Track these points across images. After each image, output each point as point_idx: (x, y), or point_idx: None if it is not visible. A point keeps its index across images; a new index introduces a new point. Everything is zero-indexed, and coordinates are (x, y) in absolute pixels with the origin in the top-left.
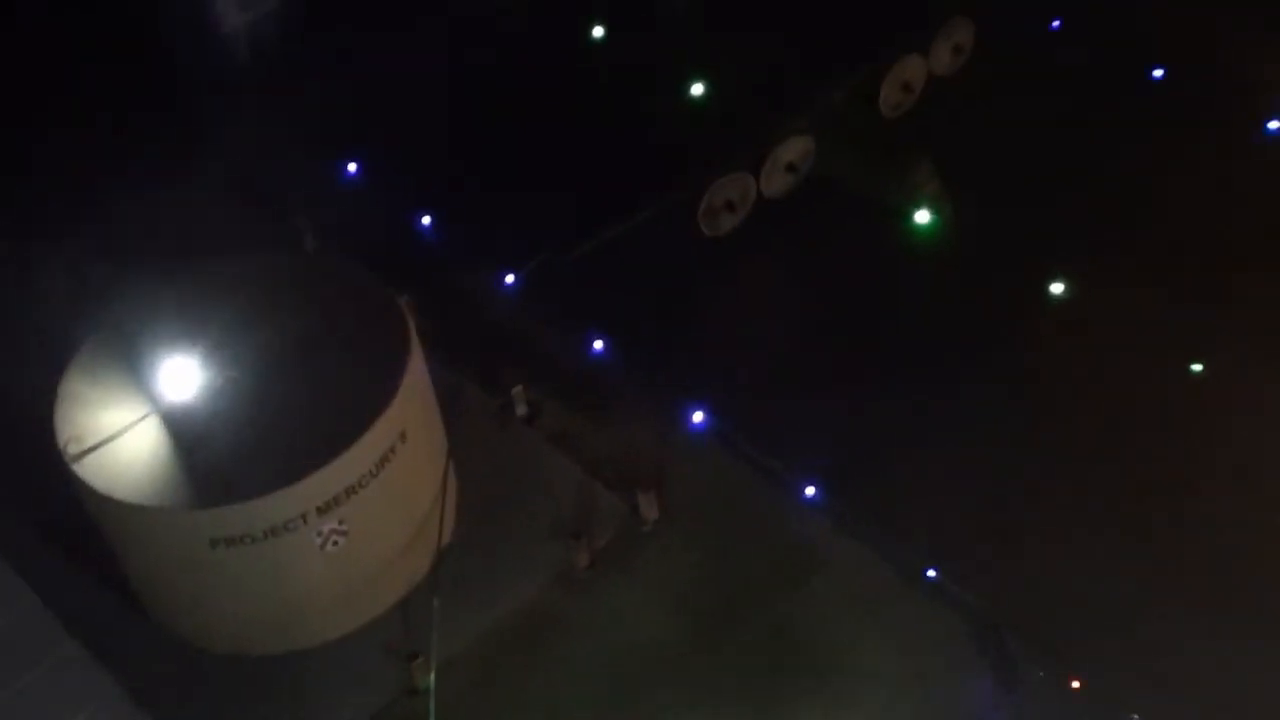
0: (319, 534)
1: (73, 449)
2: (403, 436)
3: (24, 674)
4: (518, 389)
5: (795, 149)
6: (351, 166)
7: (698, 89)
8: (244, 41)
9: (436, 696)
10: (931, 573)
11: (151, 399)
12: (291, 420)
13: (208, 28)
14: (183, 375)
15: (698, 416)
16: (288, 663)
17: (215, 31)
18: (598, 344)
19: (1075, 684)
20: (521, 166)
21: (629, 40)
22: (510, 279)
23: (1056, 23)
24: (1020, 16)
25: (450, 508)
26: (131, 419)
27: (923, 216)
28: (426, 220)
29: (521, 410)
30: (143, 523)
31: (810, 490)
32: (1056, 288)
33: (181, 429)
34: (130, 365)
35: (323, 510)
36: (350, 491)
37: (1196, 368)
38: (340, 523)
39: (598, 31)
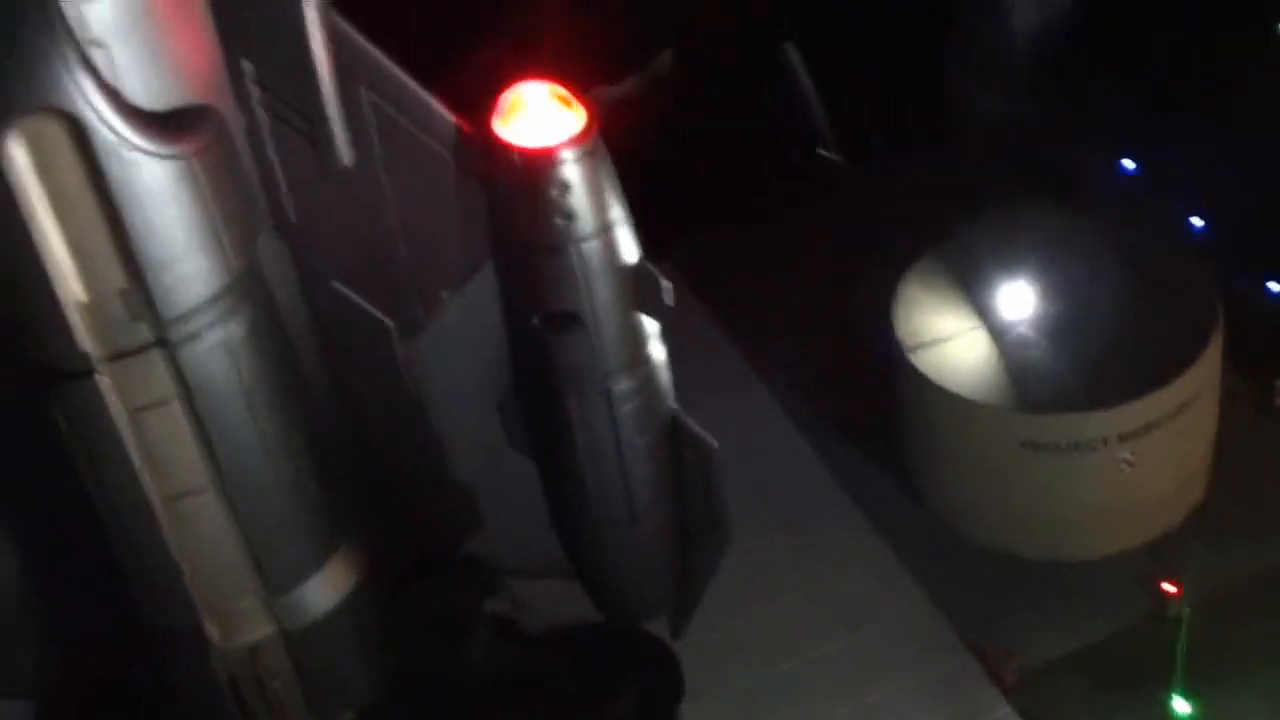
0: (1113, 459)
1: (909, 342)
2: (1198, 393)
3: (806, 533)
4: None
5: None
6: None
7: None
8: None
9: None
10: None
11: (980, 311)
12: (1107, 353)
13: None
14: (1013, 296)
15: None
16: (1050, 569)
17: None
18: None
19: None
20: None
21: None
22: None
23: None
24: None
25: (1211, 469)
26: (965, 326)
27: None
28: (1199, 221)
29: (1279, 400)
30: (966, 415)
31: None
32: None
33: (1010, 343)
34: (960, 278)
35: (1123, 438)
36: (1149, 427)
37: None
38: (1132, 453)
39: None
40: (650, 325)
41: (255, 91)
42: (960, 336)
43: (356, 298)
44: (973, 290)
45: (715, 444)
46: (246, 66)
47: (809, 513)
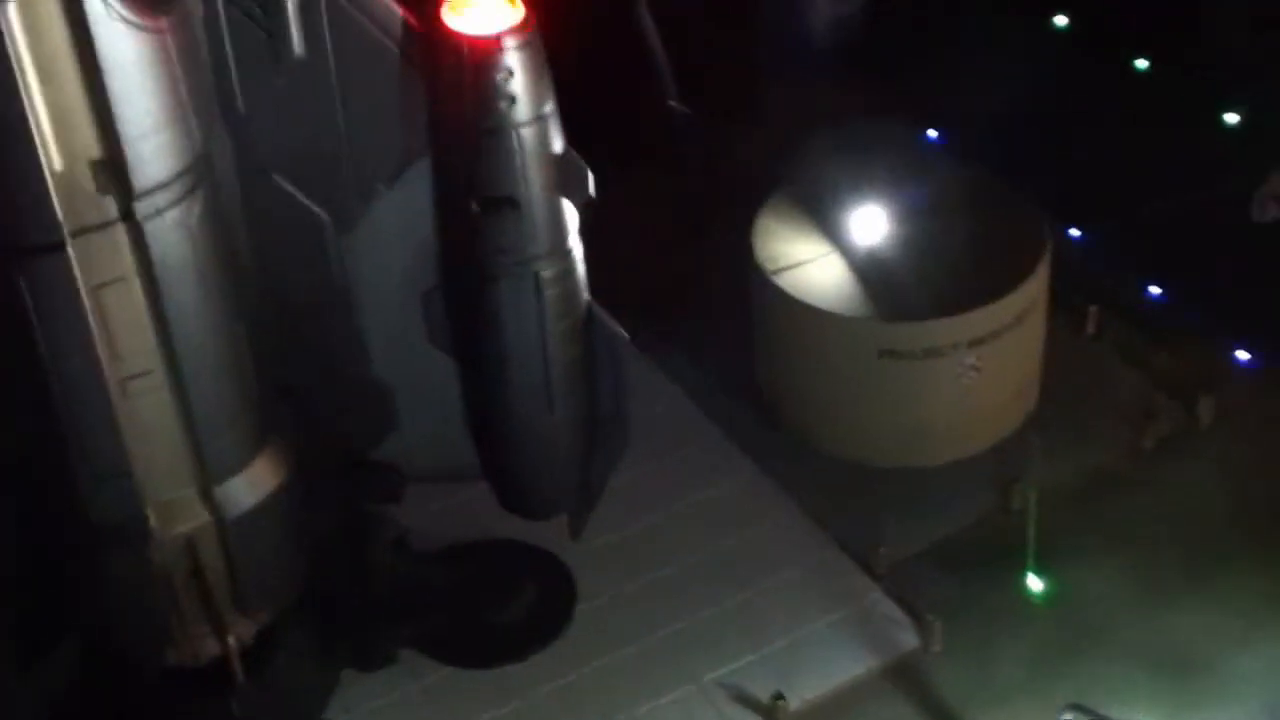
0: (960, 365)
1: (770, 266)
2: (1033, 305)
3: (672, 452)
4: (1092, 309)
5: None
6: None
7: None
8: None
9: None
10: None
11: (833, 237)
12: (951, 268)
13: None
14: (864, 221)
15: (1242, 353)
16: (903, 474)
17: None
18: (1156, 289)
19: None
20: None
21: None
22: (1077, 233)
23: None
24: None
25: (1040, 382)
26: (820, 250)
27: None
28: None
29: (1090, 328)
30: (828, 328)
31: None
32: None
33: (862, 262)
34: (812, 210)
35: (971, 344)
36: (993, 335)
37: None
38: (977, 359)
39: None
40: (573, 213)
41: None
42: (817, 260)
43: (294, 190)
44: (826, 217)
45: (626, 335)
46: None
47: (672, 434)
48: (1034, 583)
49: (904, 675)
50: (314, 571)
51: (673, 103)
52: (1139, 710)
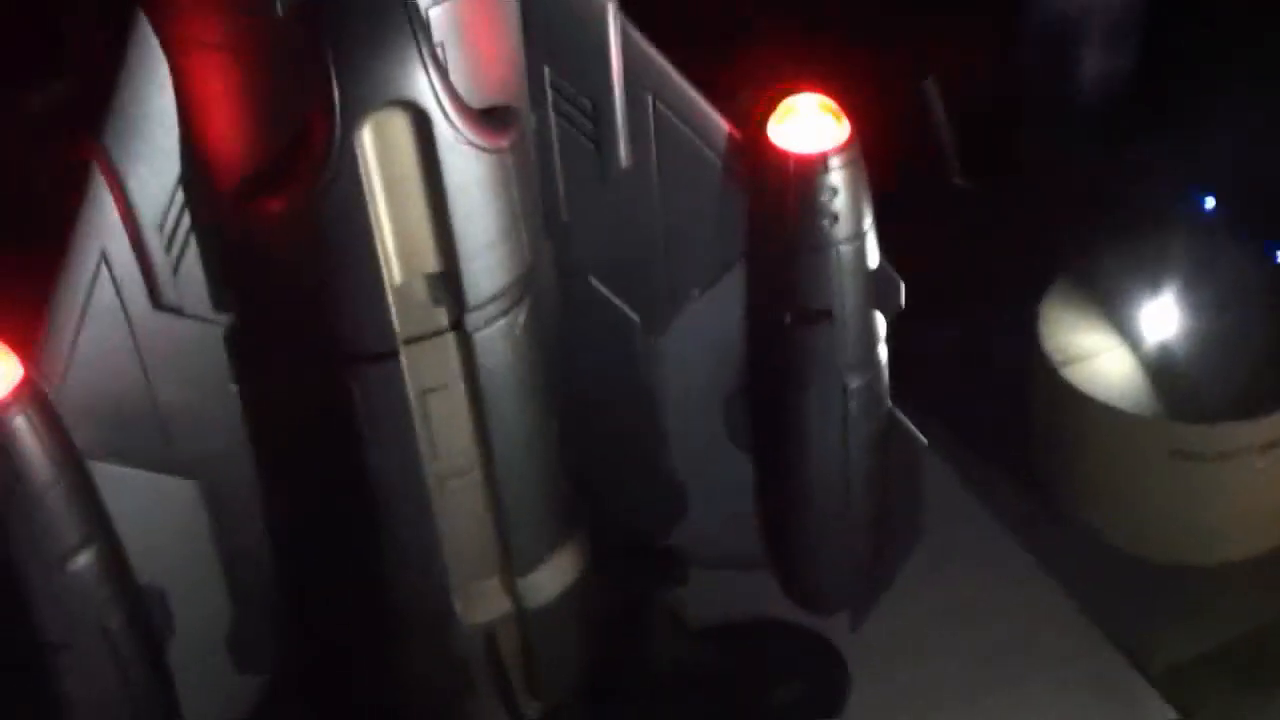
0: (1250, 468)
1: (1057, 358)
2: None
3: (942, 534)
4: None
5: None
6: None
7: None
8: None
9: None
10: None
11: (1121, 327)
12: (1243, 362)
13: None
14: (1153, 313)
15: None
16: (1179, 572)
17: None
18: None
19: None
20: None
21: None
22: None
23: None
24: None
25: None
26: (1109, 343)
27: None
28: None
29: None
30: (1118, 427)
31: None
32: None
33: (1151, 354)
34: (1099, 297)
35: (1265, 448)
36: None
37: None
38: (1267, 463)
39: None
40: (882, 325)
41: (549, 95)
42: (1105, 352)
43: (609, 293)
44: (1113, 307)
45: (925, 441)
46: (544, 70)
47: (942, 518)
48: None
49: None
50: (598, 650)
51: (956, 179)
52: None
